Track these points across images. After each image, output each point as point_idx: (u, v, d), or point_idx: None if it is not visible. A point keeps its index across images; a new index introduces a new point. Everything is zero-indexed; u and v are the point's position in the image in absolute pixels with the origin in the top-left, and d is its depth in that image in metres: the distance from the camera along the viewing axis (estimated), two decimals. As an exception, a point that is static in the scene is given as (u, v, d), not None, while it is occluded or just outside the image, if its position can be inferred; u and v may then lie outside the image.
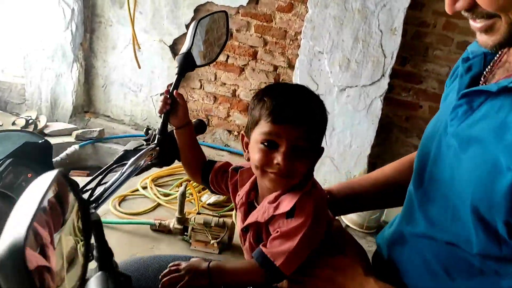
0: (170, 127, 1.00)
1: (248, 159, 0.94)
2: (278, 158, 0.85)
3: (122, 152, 0.93)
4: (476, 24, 0.65)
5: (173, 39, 3.33)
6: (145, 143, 0.97)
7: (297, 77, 2.99)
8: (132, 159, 0.91)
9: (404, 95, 3.04)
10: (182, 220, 2.44)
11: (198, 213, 2.50)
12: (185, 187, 2.46)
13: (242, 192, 0.99)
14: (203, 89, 3.48)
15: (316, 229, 0.89)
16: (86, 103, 3.72)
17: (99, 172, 0.89)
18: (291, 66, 3.12)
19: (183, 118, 1.00)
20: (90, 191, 0.89)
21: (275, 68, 3.23)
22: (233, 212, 2.70)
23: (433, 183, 0.80)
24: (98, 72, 3.62)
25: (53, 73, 3.53)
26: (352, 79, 2.85)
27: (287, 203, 0.89)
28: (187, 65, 0.96)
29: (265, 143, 0.87)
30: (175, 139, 1.00)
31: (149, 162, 0.94)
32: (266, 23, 3.16)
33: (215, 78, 3.42)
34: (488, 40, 0.65)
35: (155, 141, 0.97)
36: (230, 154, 3.51)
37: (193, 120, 1.13)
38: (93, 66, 3.61)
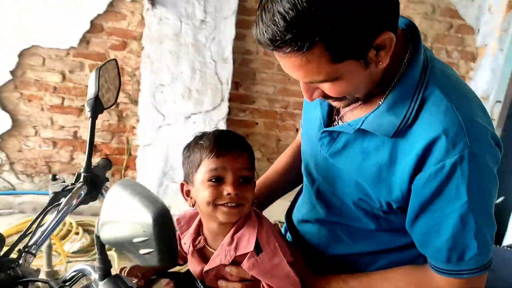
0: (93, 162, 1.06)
1: (193, 205, 1.02)
2: (227, 189, 0.94)
3: (52, 194, 0.97)
4: (327, 100, 0.93)
5: (-3, 87, 3.08)
6: (68, 184, 1.02)
7: (141, 111, 3.09)
8: (66, 198, 0.96)
9: (241, 115, 3.40)
10: (51, 273, 2.30)
11: (68, 262, 2.39)
12: (50, 238, 2.33)
13: (187, 240, 1.05)
14: (39, 135, 3.28)
15: (285, 249, 1.01)
16: None
17: (37, 216, 0.93)
18: (134, 101, 3.19)
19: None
20: (31, 234, 0.92)
21: (117, 104, 3.26)
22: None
23: (321, 183, 1.06)
24: None
25: None
26: (196, 107, 3.08)
27: (246, 241, 0.97)
28: (97, 108, 1.04)
29: (213, 179, 0.95)
30: (99, 175, 1.06)
31: (79, 200, 0.99)
32: (101, 62, 3.16)
33: (52, 123, 3.27)
34: (340, 104, 0.94)
35: (81, 180, 1.02)
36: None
37: (98, 160, 1.19)
38: None
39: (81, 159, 3.36)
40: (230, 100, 3.13)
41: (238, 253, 0.97)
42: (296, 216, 1.20)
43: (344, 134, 0.96)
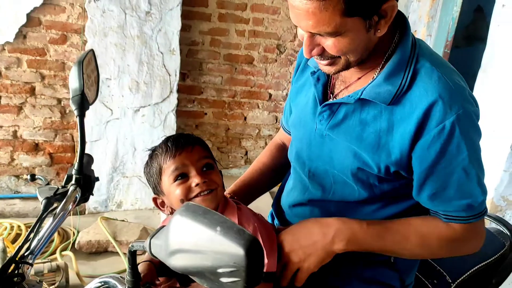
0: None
1: (170, 213, 1.06)
2: (195, 180, 1.00)
3: (45, 200, 0.96)
4: (322, 61, 0.99)
5: None
6: (57, 187, 1.01)
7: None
8: (62, 204, 0.96)
9: (190, 106, 3.42)
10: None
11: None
12: (3, 243, 2.23)
13: None
14: (-25, 136, 3.09)
15: (264, 229, 1.04)
16: None
17: (33, 224, 0.92)
18: (79, 96, 3.09)
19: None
20: (28, 243, 0.92)
21: (59, 100, 3.14)
22: (58, 252, 2.59)
23: (314, 163, 1.13)
24: None
25: None
26: (144, 99, 3.06)
27: None
28: (83, 104, 1.03)
29: (178, 178, 1.01)
30: (90, 176, 1.06)
31: (75, 204, 0.99)
32: (40, 57, 3.04)
33: (-12, 122, 3.09)
34: (331, 69, 1.00)
35: (73, 182, 1.01)
36: (23, 201, 3.23)
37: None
38: None
39: (22, 159, 3.21)
40: (178, 91, 3.13)
41: None
42: (286, 201, 1.25)
43: (343, 106, 1.04)
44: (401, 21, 1.00)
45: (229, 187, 1.29)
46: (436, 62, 0.99)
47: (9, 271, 0.85)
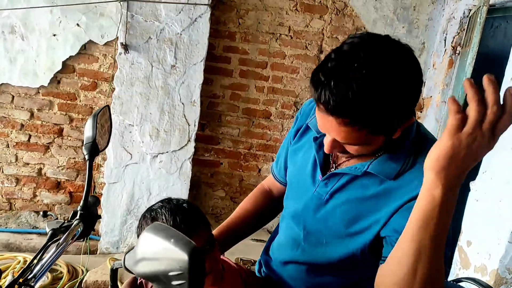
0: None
1: None
2: None
3: (51, 231, 1.07)
4: (338, 153, 1.07)
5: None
6: (64, 221, 1.12)
7: (109, 149, 3.17)
8: (65, 235, 1.06)
9: (207, 155, 3.55)
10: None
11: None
12: (13, 276, 2.32)
13: None
14: (2, 171, 3.28)
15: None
16: None
17: (38, 251, 1.02)
18: (102, 139, 3.27)
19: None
20: (32, 267, 1.02)
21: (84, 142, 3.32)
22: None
23: (310, 223, 1.17)
24: None
25: None
26: (163, 146, 3.20)
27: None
28: (94, 151, 1.16)
29: None
30: (93, 213, 1.16)
31: (75, 236, 1.09)
32: (71, 101, 3.26)
33: (16, 159, 3.28)
34: (345, 156, 1.08)
35: (77, 217, 1.12)
36: (39, 236, 3.34)
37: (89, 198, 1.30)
38: None
39: (43, 196, 3.36)
40: (196, 140, 3.27)
41: None
42: (278, 257, 1.29)
43: (345, 176, 1.10)
44: None
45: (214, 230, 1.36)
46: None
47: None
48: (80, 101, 3.26)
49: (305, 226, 1.19)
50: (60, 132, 3.29)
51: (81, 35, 3.10)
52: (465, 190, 2.39)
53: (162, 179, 3.25)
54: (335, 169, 1.14)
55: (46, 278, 2.84)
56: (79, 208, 1.13)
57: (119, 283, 2.29)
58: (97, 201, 1.30)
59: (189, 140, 3.23)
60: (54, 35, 3.07)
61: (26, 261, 2.90)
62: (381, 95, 0.85)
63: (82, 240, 1.14)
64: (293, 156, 1.29)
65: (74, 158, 3.35)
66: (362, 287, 1.17)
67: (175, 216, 1.08)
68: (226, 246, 1.38)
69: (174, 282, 0.67)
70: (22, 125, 3.23)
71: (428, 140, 1.09)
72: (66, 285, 2.74)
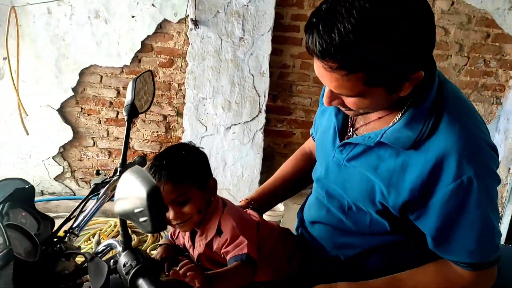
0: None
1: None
2: (169, 215, 1.12)
3: (93, 185, 1.19)
4: (341, 107, 1.02)
5: (60, 103, 3.46)
6: (108, 177, 1.24)
7: (186, 122, 3.34)
8: (104, 189, 1.18)
9: (279, 126, 3.59)
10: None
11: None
12: (99, 236, 2.60)
13: (186, 237, 1.24)
14: (97, 146, 3.63)
15: (243, 222, 1.17)
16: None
17: (79, 203, 1.15)
18: (179, 113, 3.47)
19: None
20: (74, 218, 1.14)
21: (165, 117, 3.55)
22: (148, 251, 2.90)
23: (331, 187, 1.17)
24: (-19, 144, 3.55)
25: None
26: (235, 118, 3.30)
27: (212, 229, 1.15)
28: (133, 113, 1.25)
29: None
30: None
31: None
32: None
33: (108, 134, 3.61)
34: (351, 113, 1.04)
35: (117, 174, 1.23)
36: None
37: (135, 158, 1.41)
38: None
39: (133, 167, 3.67)
40: (268, 111, 3.32)
41: (207, 240, 1.15)
42: (307, 216, 1.32)
43: (361, 144, 1.07)
44: (428, 64, 0.94)
45: (251, 194, 1.40)
46: (460, 111, 0.97)
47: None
48: (159, 78, 3.47)
49: (327, 190, 1.19)
50: (143, 108, 3.54)
51: (157, 15, 3.28)
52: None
53: (236, 150, 3.36)
54: (351, 134, 1.11)
55: (133, 239, 3.12)
56: (118, 165, 1.24)
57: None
58: (143, 161, 1.41)
59: (259, 111, 3.29)
60: (133, 16, 3.28)
61: (117, 225, 3.21)
62: (370, 36, 0.79)
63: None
64: (320, 118, 1.28)
65: (157, 131, 3.59)
66: (393, 247, 1.15)
67: (161, 160, 1.15)
68: (264, 208, 1.42)
69: (141, 219, 0.72)
70: (111, 103, 3.53)
71: (456, 99, 0.99)
72: (150, 246, 2.99)
